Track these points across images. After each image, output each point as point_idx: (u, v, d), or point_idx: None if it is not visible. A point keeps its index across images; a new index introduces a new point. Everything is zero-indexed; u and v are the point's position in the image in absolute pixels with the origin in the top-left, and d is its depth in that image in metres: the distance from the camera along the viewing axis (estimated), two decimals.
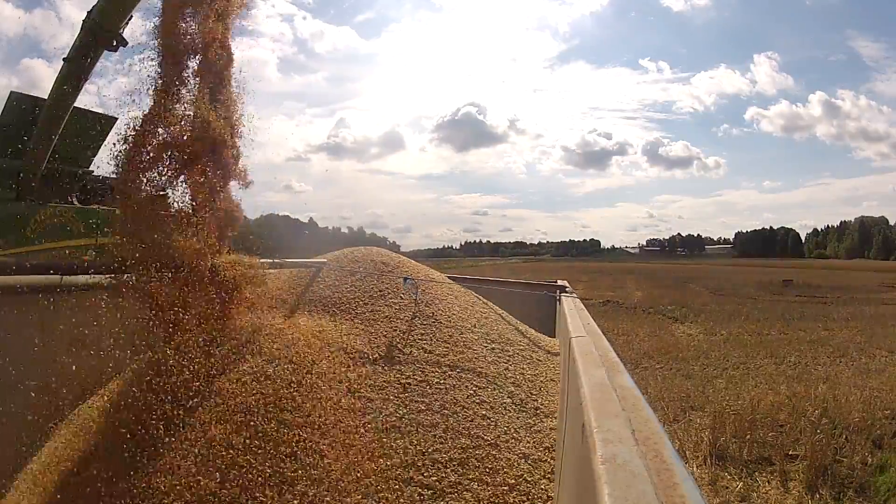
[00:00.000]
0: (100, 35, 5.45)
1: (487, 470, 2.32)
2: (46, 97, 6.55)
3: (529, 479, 2.34)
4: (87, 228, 7.17)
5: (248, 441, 2.17)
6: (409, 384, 2.71)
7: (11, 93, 7.04)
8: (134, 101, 2.83)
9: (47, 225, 6.82)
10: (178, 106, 2.83)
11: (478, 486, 2.25)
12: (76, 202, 7.66)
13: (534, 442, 2.55)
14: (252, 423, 2.24)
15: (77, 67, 5.76)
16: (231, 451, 2.12)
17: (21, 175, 6.79)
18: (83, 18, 5.48)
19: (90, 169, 8.11)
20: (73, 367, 2.68)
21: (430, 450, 2.36)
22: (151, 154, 2.75)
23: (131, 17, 5.42)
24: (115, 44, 5.54)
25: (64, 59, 5.84)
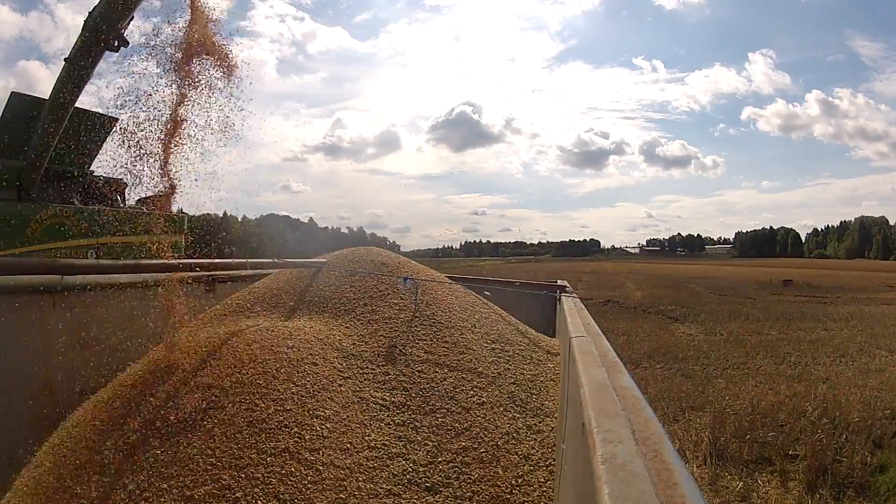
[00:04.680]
0: (101, 35, 5.43)
1: (488, 471, 2.32)
2: (47, 98, 6.56)
3: (530, 479, 2.34)
4: (87, 228, 7.20)
5: (245, 441, 2.17)
6: (410, 385, 2.71)
7: (12, 93, 7.06)
8: (137, 101, 2.84)
9: (48, 225, 6.85)
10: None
11: (479, 486, 2.25)
12: (77, 202, 7.68)
13: (534, 442, 2.55)
14: (250, 422, 2.24)
15: (78, 68, 5.74)
16: (228, 451, 2.12)
17: (22, 175, 6.80)
18: (84, 19, 5.47)
19: (91, 169, 8.13)
20: (73, 367, 2.69)
21: (430, 451, 2.36)
22: None
23: (132, 17, 5.41)
24: (116, 44, 5.53)
25: (65, 60, 5.83)
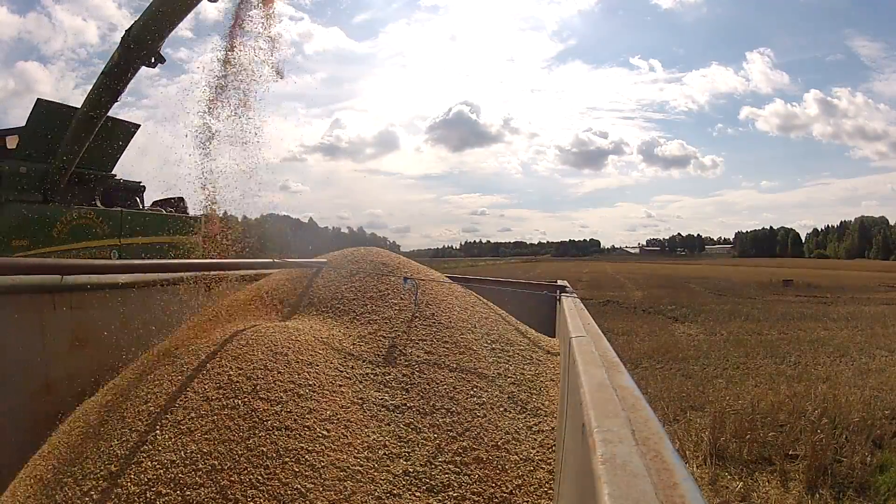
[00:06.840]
0: (139, 51, 5.53)
1: (488, 471, 2.32)
2: (69, 105, 6.84)
3: (530, 479, 2.34)
4: (110, 229, 7.48)
5: (245, 442, 2.16)
6: (410, 385, 2.71)
7: (38, 100, 7.31)
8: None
9: (73, 226, 7.10)
10: None
11: (479, 486, 2.25)
12: (100, 204, 7.92)
13: (534, 443, 2.55)
14: (249, 423, 2.24)
15: (114, 81, 5.90)
16: (227, 452, 2.12)
17: (48, 178, 7.02)
18: (122, 35, 5.60)
19: (113, 173, 8.44)
20: (73, 368, 2.69)
21: (430, 451, 2.36)
22: None
23: (168, 36, 5.51)
24: (153, 60, 5.65)
25: (101, 73, 5.99)
